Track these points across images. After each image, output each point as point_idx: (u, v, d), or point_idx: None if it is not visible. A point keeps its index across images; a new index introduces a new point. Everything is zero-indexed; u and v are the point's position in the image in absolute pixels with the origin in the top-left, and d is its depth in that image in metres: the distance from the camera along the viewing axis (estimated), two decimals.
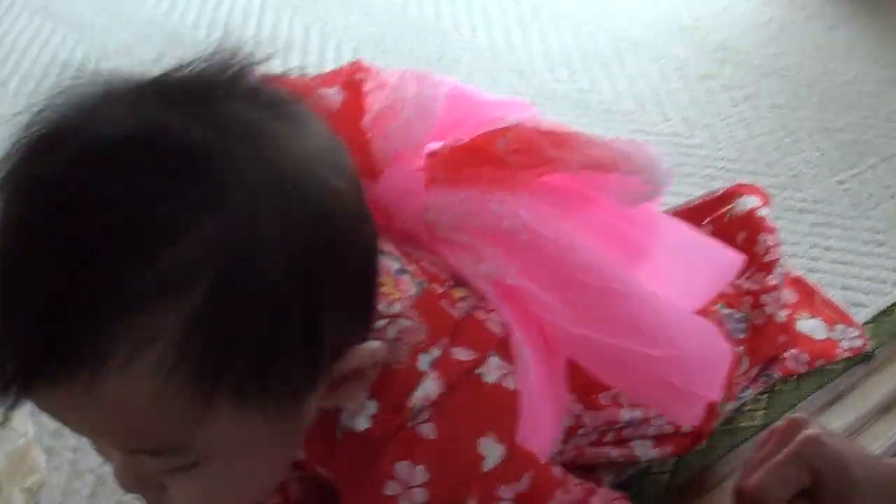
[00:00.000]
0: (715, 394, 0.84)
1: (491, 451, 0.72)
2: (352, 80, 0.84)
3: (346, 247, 0.62)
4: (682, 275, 0.89)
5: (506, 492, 0.72)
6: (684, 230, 0.95)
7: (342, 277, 0.61)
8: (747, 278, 1.08)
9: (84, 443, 0.85)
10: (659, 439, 0.94)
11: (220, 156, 0.56)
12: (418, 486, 0.70)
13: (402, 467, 0.70)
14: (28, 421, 0.99)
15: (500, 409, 0.74)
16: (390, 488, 0.70)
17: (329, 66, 1.51)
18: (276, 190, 0.57)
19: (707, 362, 0.84)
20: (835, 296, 1.21)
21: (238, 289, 0.56)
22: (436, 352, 0.72)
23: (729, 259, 0.94)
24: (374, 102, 0.83)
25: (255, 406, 0.59)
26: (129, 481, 0.64)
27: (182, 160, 0.56)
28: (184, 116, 0.57)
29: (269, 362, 0.58)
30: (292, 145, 0.60)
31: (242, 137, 0.58)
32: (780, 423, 0.84)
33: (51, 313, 0.54)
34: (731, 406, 1.04)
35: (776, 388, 1.09)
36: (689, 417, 0.87)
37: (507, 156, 0.79)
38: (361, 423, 0.70)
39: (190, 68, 0.61)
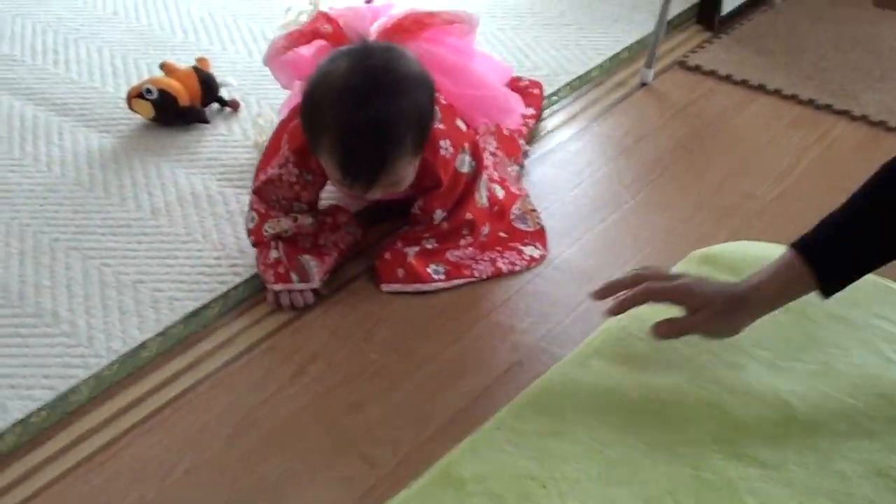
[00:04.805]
0: (522, 109, 1.87)
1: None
2: (325, 23, 1.72)
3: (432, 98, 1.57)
4: (487, 67, 1.85)
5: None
6: (483, 53, 1.92)
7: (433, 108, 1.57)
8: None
9: None
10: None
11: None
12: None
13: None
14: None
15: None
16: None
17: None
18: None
19: (512, 98, 1.84)
20: None
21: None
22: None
23: (505, 66, 1.99)
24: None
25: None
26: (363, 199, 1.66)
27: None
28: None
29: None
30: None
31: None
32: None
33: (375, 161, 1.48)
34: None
35: None
36: (513, 122, 1.87)
37: (411, 26, 1.72)
38: None
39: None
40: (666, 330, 1.36)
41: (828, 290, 1.31)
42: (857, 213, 1.31)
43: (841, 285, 1.32)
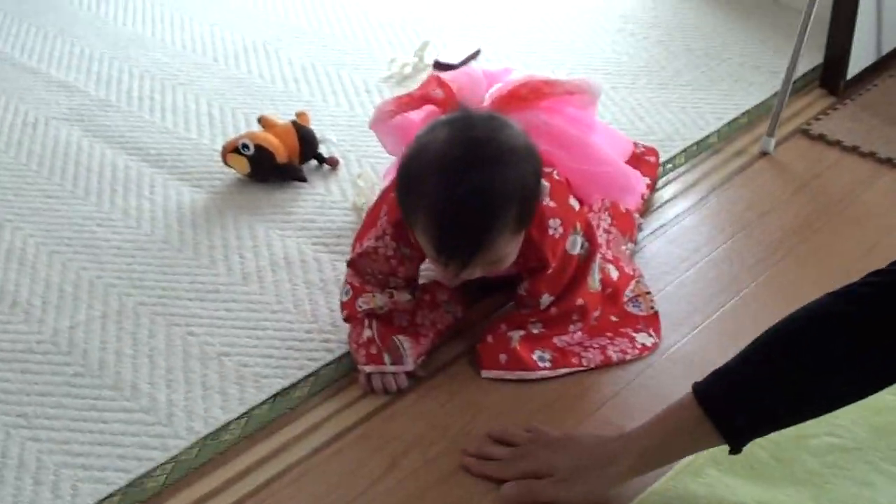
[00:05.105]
0: (643, 188, 1.79)
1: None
2: (436, 88, 1.64)
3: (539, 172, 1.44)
4: (608, 141, 1.75)
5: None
6: (604, 125, 1.84)
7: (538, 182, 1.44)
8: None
9: None
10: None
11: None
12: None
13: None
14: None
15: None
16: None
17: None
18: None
19: (633, 176, 1.74)
20: None
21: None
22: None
23: (626, 139, 1.88)
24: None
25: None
26: (458, 279, 1.46)
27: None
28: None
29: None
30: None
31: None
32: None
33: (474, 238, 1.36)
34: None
35: None
36: (633, 201, 1.76)
37: (528, 95, 1.61)
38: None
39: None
40: (507, 495, 1.29)
41: (737, 447, 1.21)
42: (764, 366, 1.20)
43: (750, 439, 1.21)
